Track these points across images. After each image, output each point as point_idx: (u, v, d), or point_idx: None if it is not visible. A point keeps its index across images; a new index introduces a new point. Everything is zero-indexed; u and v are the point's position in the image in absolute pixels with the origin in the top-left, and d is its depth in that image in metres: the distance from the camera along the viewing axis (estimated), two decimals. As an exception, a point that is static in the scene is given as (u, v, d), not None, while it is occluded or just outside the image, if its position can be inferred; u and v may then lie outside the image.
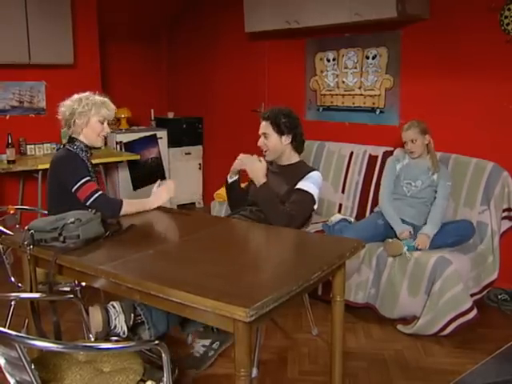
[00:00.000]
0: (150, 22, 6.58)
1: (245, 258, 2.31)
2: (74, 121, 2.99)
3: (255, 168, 3.12)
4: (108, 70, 6.29)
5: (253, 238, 2.71)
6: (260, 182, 3.10)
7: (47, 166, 4.20)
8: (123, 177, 6.08)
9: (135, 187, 6.21)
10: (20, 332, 1.66)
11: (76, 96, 3.05)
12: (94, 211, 2.58)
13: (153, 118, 6.66)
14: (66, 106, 3.03)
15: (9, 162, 4.92)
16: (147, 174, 6.31)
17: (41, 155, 5.43)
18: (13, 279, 3.02)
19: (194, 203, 6.83)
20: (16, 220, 3.29)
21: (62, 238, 2.41)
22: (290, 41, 5.35)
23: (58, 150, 3.15)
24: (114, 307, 2.37)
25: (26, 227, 2.48)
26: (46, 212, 3.03)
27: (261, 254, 2.44)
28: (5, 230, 2.94)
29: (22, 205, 5.42)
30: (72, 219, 2.44)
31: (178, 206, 6.63)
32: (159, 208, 3.06)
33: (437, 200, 3.75)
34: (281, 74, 5.57)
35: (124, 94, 6.35)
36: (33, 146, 5.46)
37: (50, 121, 5.55)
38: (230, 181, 3.36)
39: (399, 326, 3.56)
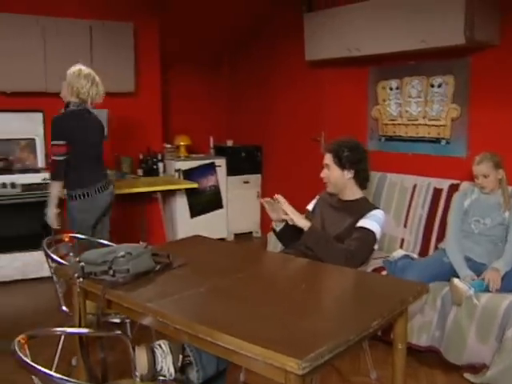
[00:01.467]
0: (211, 49, 6.64)
1: (299, 300, 2.18)
2: None
3: (295, 212, 3.00)
4: (168, 96, 6.36)
5: (309, 277, 2.57)
6: (306, 226, 2.97)
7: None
8: (181, 204, 6.08)
9: (193, 215, 6.20)
10: (71, 365, 1.58)
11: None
12: (145, 245, 2.53)
13: (212, 145, 6.67)
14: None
15: (69, 188, 4.99)
16: (205, 202, 6.30)
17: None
18: (64, 308, 3.00)
19: (251, 232, 6.75)
20: (71, 248, 3.28)
21: (111, 272, 2.36)
22: (351, 69, 5.24)
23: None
24: (161, 347, 2.29)
25: (77, 258, 2.46)
26: None
27: (317, 296, 2.31)
28: (58, 260, 2.93)
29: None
30: (122, 253, 2.39)
31: (235, 235, 6.58)
32: (212, 239, 2.97)
33: (510, 237, 3.49)
34: (342, 102, 5.46)
35: (184, 121, 6.42)
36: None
37: (111, 148, 5.71)
38: (278, 229, 3.23)
39: (467, 375, 3.30)
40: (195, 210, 6.22)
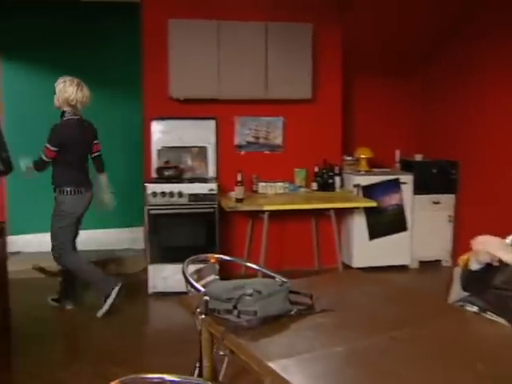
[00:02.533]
0: (403, 56, 5.96)
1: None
2: None
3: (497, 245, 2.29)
4: (351, 105, 5.86)
5: (494, 353, 1.85)
6: None
7: (274, 207, 4.14)
8: (358, 224, 5.53)
9: (372, 237, 5.61)
10: None
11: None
12: (281, 281, 2.08)
13: (397, 159, 6.00)
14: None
15: (237, 200, 4.77)
16: (387, 222, 5.67)
17: (272, 194, 5.20)
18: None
19: (439, 261, 5.92)
20: (214, 270, 2.98)
21: (236, 312, 1.95)
22: None
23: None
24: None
25: (203, 290, 2.12)
26: None
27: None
28: (195, 284, 2.62)
29: (249, 245, 5.29)
30: (250, 290, 1.97)
31: (420, 262, 5.82)
32: (374, 277, 2.40)
33: None
34: None
35: (366, 132, 5.87)
36: (265, 185, 5.27)
37: (286, 158, 5.41)
38: (474, 268, 2.52)
39: None
40: (375, 232, 5.62)
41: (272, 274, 2.91)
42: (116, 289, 4.24)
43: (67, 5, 5.81)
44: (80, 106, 4.21)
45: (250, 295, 1.96)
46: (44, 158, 4.14)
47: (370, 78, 5.94)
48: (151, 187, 4.71)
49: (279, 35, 4.96)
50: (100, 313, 4.22)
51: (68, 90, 4.15)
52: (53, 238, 4.25)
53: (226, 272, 4.67)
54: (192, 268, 3.01)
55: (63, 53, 6.23)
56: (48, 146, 4.12)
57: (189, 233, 4.74)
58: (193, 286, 2.63)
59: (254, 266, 3.03)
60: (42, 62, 6.31)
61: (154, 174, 5.05)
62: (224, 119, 5.21)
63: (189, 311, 2.20)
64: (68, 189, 4.19)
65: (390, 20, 5.35)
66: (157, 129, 5.14)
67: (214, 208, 4.73)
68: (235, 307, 1.96)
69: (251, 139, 5.35)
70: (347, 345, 1.78)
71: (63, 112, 4.20)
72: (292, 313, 2.01)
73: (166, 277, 4.72)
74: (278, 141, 5.40)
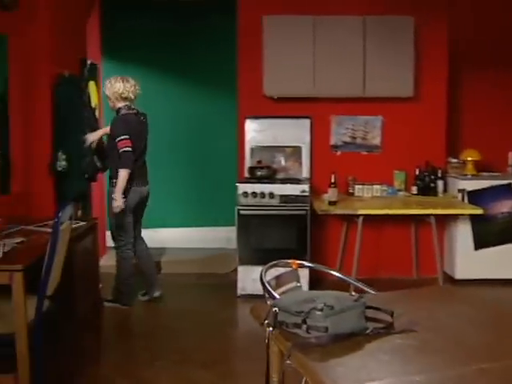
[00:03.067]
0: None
1: None
2: None
3: None
4: (457, 104, 5.46)
5: None
6: None
7: (370, 211, 3.97)
8: (463, 232, 5.15)
9: (477, 247, 5.20)
10: None
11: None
12: (356, 296, 1.90)
13: (511, 163, 5.52)
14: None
15: (330, 202, 4.60)
16: (496, 232, 5.23)
17: (368, 197, 4.97)
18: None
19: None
20: (296, 277, 2.83)
21: (305, 328, 1.82)
22: None
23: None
24: None
25: (273, 302, 2.00)
26: None
27: None
28: (272, 291, 2.50)
29: (343, 251, 5.10)
30: (322, 304, 1.81)
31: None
32: (461, 293, 2.15)
33: None
34: None
35: (475, 133, 5.48)
36: (361, 187, 5.04)
37: (384, 160, 5.16)
38: None
39: None
40: (481, 241, 5.20)
41: (359, 285, 2.73)
42: (122, 306, 4.33)
43: (165, 5, 5.94)
44: (133, 97, 4.27)
45: (321, 310, 1.80)
46: (126, 150, 4.13)
47: (480, 75, 5.49)
48: (242, 187, 4.65)
49: (378, 29, 4.72)
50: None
51: (116, 86, 4.22)
52: (111, 229, 4.38)
53: (316, 278, 4.55)
54: (274, 273, 2.92)
55: (161, 53, 6.40)
56: (121, 138, 4.12)
57: (279, 235, 4.63)
58: (269, 293, 2.52)
59: (337, 274, 2.84)
60: (140, 61, 6.50)
61: (246, 174, 5.00)
62: (319, 118, 5.07)
63: (258, 321, 2.08)
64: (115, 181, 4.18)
65: (500, 13, 4.93)
66: (250, 127, 5.10)
67: (305, 210, 4.60)
68: (304, 322, 1.82)
69: (348, 139, 5.15)
70: (427, 374, 1.57)
71: (118, 109, 4.27)
72: (367, 331, 1.82)
73: (255, 279, 4.62)
74: (376, 141, 5.16)
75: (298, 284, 2.87)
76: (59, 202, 4.14)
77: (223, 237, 5.94)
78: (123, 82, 4.25)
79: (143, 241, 4.55)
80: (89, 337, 3.83)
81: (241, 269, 4.69)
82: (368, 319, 1.89)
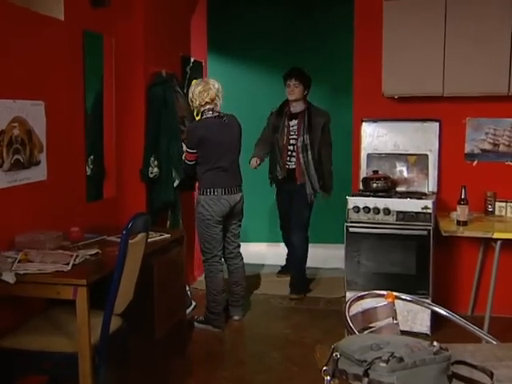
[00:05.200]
0: None
1: None
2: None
3: None
4: None
5: None
6: None
7: (509, 235, 3.56)
8: None
9: None
10: None
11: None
12: (436, 347, 1.66)
13: None
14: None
15: (459, 222, 4.23)
16: None
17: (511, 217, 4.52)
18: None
19: None
20: (392, 312, 2.60)
21: (366, 382, 1.62)
22: None
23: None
24: None
25: (335, 344, 1.81)
26: None
27: None
28: (353, 328, 2.31)
29: (478, 281, 4.68)
30: (388, 354, 1.59)
31: None
32: None
33: None
34: None
35: None
36: (503, 205, 4.59)
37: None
38: None
39: None
40: None
41: (482, 334, 2.44)
42: (213, 328, 4.35)
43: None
44: (217, 99, 4.34)
45: (386, 361, 1.59)
46: (186, 161, 4.38)
47: None
48: (353, 200, 4.44)
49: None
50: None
51: (197, 89, 4.33)
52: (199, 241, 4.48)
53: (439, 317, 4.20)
54: (368, 305, 2.73)
55: (270, 50, 6.44)
56: (186, 149, 4.36)
57: (395, 258, 4.35)
58: (350, 330, 2.32)
59: (442, 312, 2.54)
60: (248, 59, 6.57)
61: (360, 186, 4.79)
62: (450, 121, 4.71)
63: (319, 366, 1.90)
64: (203, 189, 4.33)
65: None
66: (367, 132, 4.88)
67: (428, 230, 4.27)
68: (366, 374, 1.62)
69: (487, 146, 4.71)
70: None
71: (202, 113, 4.39)
72: (451, 396, 1.58)
73: (365, 308, 4.40)
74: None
75: (395, 321, 2.64)
76: (148, 211, 4.23)
77: (335, 255, 5.74)
78: (204, 83, 4.38)
79: (237, 255, 4.55)
80: (165, 362, 3.81)
81: (349, 295, 4.46)
82: (455, 378, 1.64)
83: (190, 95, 4.38)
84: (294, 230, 5.22)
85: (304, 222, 5.20)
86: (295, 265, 5.30)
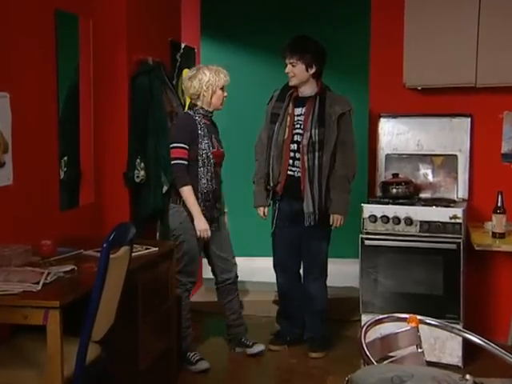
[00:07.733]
0: None
1: None
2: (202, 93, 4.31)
3: None
4: None
5: None
6: None
7: None
8: None
9: None
10: None
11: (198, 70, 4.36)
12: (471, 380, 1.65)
13: None
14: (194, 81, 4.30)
15: (495, 234, 4.30)
16: None
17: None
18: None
19: None
20: (416, 339, 2.61)
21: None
22: None
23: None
24: None
25: (349, 376, 1.83)
26: None
27: None
28: (370, 358, 2.30)
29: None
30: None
31: None
32: None
33: None
34: None
35: None
36: (549, 215, 4.63)
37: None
38: None
39: None
40: None
41: None
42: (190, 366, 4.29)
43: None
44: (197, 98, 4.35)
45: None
46: (177, 162, 4.25)
47: None
48: (369, 208, 4.50)
49: None
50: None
51: (209, 75, 4.28)
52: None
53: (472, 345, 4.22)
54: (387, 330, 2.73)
55: (272, 35, 6.50)
56: (173, 145, 4.26)
57: (418, 276, 4.41)
58: (367, 360, 2.31)
59: (473, 339, 2.55)
60: (246, 45, 6.72)
61: (378, 191, 4.86)
62: (484, 116, 4.79)
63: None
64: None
65: None
66: (385, 129, 4.95)
67: (457, 244, 4.32)
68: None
69: (529, 146, 4.79)
70: None
71: (194, 105, 4.38)
72: None
73: (384, 334, 4.41)
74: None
75: (420, 350, 2.64)
76: (133, 220, 4.23)
77: (349, 271, 5.79)
78: (214, 70, 4.31)
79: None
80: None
81: (365, 318, 4.47)
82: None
83: (197, 85, 4.28)
84: (310, 275, 4.62)
85: (323, 261, 4.61)
86: (313, 319, 4.64)
